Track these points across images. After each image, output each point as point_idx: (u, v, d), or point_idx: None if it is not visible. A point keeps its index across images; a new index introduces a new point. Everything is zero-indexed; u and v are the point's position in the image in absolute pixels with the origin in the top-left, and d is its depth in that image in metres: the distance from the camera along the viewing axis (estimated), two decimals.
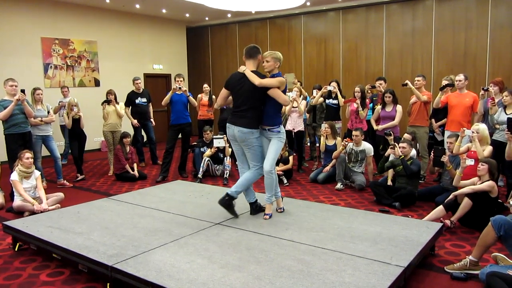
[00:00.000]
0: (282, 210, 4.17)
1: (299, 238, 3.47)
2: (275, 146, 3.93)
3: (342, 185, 6.12)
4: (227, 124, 4.00)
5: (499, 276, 2.81)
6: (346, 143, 6.22)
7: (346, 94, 8.28)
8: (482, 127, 5.02)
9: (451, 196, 4.40)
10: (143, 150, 8.39)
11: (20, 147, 5.65)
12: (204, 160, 6.77)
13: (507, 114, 5.08)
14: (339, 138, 6.67)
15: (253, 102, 3.87)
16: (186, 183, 5.92)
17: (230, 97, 4.11)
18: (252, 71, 3.86)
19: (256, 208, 4.13)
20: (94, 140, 9.94)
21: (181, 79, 6.88)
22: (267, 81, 3.82)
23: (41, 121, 6.20)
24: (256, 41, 11.73)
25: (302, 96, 7.71)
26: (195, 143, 7.63)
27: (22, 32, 8.92)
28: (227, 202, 3.95)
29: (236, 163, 4.24)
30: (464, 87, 6.01)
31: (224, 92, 4.07)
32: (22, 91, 5.70)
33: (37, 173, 5.32)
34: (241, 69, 3.92)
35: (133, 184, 6.74)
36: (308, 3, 10.01)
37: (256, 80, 3.79)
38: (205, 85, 8.37)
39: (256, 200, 4.16)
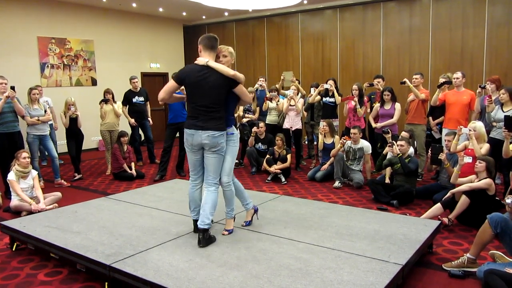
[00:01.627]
0: (228, 232, 3.56)
1: (297, 236, 3.47)
2: (230, 153, 3.49)
3: (340, 183, 6.13)
4: (188, 130, 3.40)
5: (497, 274, 2.82)
6: (344, 141, 6.23)
7: (344, 92, 8.29)
8: (479, 125, 5.04)
9: (448, 194, 4.41)
10: (140, 149, 8.38)
11: (9, 148, 5.59)
12: None
13: (504, 112, 5.09)
14: (337, 136, 6.68)
15: (221, 99, 3.37)
16: (184, 182, 5.90)
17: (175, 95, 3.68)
18: None
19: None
20: (91, 139, 9.92)
21: None
22: (239, 75, 3.38)
23: (38, 120, 6.18)
24: (253, 40, 11.73)
25: (300, 94, 7.71)
26: None
27: (18, 32, 8.87)
28: (206, 237, 3.34)
29: (191, 173, 3.56)
30: (461, 85, 6.03)
31: (173, 86, 3.47)
32: (12, 88, 5.65)
33: (34, 173, 5.30)
34: (201, 61, 3.37)
35: (130, 183, 6.72)
36: (305, 1, 10.00)
37: (230, 71, 3.32)
38: None
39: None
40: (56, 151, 6.75)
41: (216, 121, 3.35)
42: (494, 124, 5.27)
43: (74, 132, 6.94)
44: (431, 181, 6.24)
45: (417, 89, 6.23)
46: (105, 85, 8.86)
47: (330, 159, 6.48)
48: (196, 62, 3.41)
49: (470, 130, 4.93)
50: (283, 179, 6.47)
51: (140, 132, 8.33)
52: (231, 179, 3.52)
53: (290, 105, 7.05)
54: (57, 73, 9.59)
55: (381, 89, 6.70)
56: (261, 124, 7.10)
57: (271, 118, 7.64)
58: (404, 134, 5.95)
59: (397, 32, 9.58)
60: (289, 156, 6.64)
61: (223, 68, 3.33)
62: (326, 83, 7.14)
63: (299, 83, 8.29)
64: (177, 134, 6.99)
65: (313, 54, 10.82)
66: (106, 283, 3.00)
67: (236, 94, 3.46)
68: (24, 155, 5.15)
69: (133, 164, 7.09)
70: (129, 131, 7.74)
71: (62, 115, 6.87)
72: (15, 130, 5.85)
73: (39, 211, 4.81)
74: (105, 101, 7.31)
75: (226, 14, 11.52)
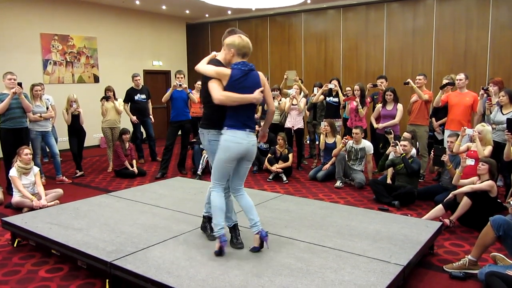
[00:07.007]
0: (217, 252, 3.08)
1: (298, 235, 3.47)
2: (215, 158, 3.13)
3: (341, 183, 6.12)
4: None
5: (498, 276, 2.82)
6: (346, 141, 6.22)
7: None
8: (487, 129, 5.01)
9: (450, 195, 4.41)
10: (142, 146, 8.39)
11: (15, 143, 5.60)
12: (204, 157, 6.76)
13: (503, 114, 5.07)
14: (338, 136, 6.68)
15: (204, 96, 3.21)
16: (186, 180, 5.91)
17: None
18: (213, 59, 3.19)
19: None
20: (93, 136, 9.92)
21: (182, 75, 6.87)
22: (202, 68, 3.10)
23: (40, 117, 6.19)
24: (256, 39, 11.71)
25: (302, 93, 7.70)
26: (194, 140, 7.63)
27: (21, 28, 8.88)
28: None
29: None
30: (464, 87, 6.01)
31: None
32: (19, 84, 5.67)
33: (36, 169, 5.30)
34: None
35: (132, 180, 6.73)
36: (309, 1, 9.98)
37: (198, 64, 3.16)
38: (199, 82, 8.34)
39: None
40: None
41: (202, 117, 3.32)
42: (494, 126, 5.25)
43: (76, 129, 6.94)
44: (433, 182, 6.23)
45: (420, 90, 6.22)
46: (107, 82, 8.87)
47: (331, 159, 6.48)
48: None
49: (474, 132, 4.92)
50: (284, 178, 6.47)
51: (142, 129, 8.33)
52: (212, 185, 3.18)
53: (292, 105, 7.05)
54: (59, 70, 9.60)
55: (384, 89, 6.70)
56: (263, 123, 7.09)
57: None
58: (406, 134, 5.94)
59: (401, 33, 9.56)
60: (290, 156, 6.64)
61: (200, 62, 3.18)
62: (330, 82, 7.13)
63: (301, 82, 8.28)
64: (179, 132, 6.99)
65: (316, 53, 10.81)
66: (107, 280, 3.00)
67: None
68: (26, 151, 5.16)
69: (134, 162, 7.10)
70: (130, 128, 7.75)
71: (64, 112, 6.87)
72: (23, 126, 5.86)
73: (40, 208, 4.81)
74: (106, 98, 7.32)
75: (229, 12, 11.51)
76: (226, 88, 2.98)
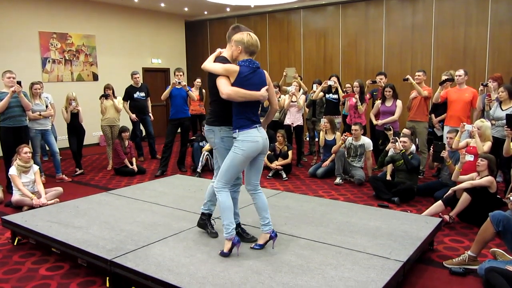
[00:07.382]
0: (223, 253, 3.05)
1: (298, 232, 3.48)
2: (227, 158, 3.06)
3: (341, 180, 6.13)
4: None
5: (498, 271, 2.82)
6: (345, 137, 6.22)
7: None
8: (486, 125, 5.01)
9: (450, 191, 4.41)
10: (141, 144, 8.39)
11: (14, 142, 5.60)
12: (203, 155, 6.77)
13: (502, 110, 5.07)
14: (338, 133, 6.68)
15: (212, 93, 3.17)
16: (185, 177, 5.92)
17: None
18: (219, 57, 3.16)
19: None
20: (92, 134, 9.91)
21: (181, 73, 6.86)
22: (209, 66, 3.07)
23: (39, 115, 6.19)
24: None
25: (302, 90, 7.70)
26: (193, 137, 7.62)
27: (20, 27, 8.86)
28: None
29: None
30: (463, 83, 6.01)
31: None
32: (19, 82, 5.65)
33: (35, 168, 5.31)
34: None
35: (132, 178, 6.73)
36: None
37: (205, 62, 3.14)
38: (198, 80, 8.35)
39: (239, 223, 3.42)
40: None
41: (208, 116, 3.26)
42: (493, 122, 5.25)
43: (75, 127, 6.94)
44: (432, 178, 6.23)
45: (420, 86, 6.22)
46: (106, 80, 8.85)
47: (331, 156, 6.48)
48: None
49: (473, 127, 4.92)
50: (284, 175, 6.47)
51: (141, 127, 8.33)
52: (219, 186, 3.09)
53: (292, 101, 7.04)
54: (58, 68, 9.58)
55: (383, 85, 6.69)
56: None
57: None
58: (405, 131, 5.95)
59: (400, 29, 9.54)
60: (290, 153, 6.64)
61: (208, 59, 3.15)
62: (329, 79, 7.13)
63: (301, 79, 8.27)
64: (179, 130, 6.99)
65: (315, 50, 10.79)
66: (107, 278, 3.01)
67: None
68: (26, 149, 5.16)
69: (134, 160, 7.10)
70: (130, 126, 7.75)
71: (63, 110, 6.86)
72: (22, 124, 5.85)
73: (40, 206, 4.82)
74: (105, 96, 7.31)
75: (228, 9, 11.49)
76: (234, 85, 2.97)
